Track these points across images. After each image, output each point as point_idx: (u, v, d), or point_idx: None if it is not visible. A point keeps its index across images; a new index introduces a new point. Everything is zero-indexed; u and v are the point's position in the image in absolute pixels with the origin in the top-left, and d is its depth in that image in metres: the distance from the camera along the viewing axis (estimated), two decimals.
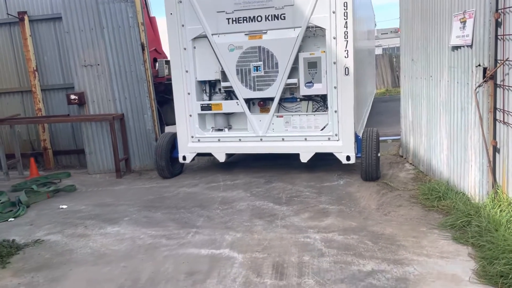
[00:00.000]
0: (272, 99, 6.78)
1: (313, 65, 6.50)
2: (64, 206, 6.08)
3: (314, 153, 6.62)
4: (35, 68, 8.14)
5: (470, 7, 4.62)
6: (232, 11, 6.63)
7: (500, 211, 4.13)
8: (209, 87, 7.25)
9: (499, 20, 4.23)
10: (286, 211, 5.35)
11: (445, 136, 5.54)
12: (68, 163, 8.63)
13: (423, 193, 5.47)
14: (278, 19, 6.49)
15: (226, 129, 7.13)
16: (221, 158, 7.06)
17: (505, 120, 4.29)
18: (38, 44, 8.20)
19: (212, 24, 6.72)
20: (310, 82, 6.55)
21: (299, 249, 4.22)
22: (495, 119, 4.46)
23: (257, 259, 4.06)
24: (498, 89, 4.38)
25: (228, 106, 6.97)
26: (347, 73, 6.29)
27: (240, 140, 6.96)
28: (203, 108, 7.05)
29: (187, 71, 6.96)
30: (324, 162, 7.13)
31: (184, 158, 7.20)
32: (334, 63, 6.31)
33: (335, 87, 6.37)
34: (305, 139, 6.66)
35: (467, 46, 4.71)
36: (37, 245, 4.74)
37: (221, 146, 7.03)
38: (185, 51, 6.91)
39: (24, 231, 5.23)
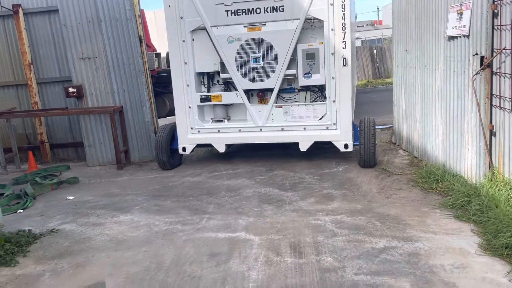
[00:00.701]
0: (271, 90, 6.95)
1: (311, 56, 6.70)
2: (71, 197, 6.14)
3: (313, 142, 6.85)
4: (30, 61, 8.09)
5: None
6: (231, 3, 6.75)
7: (498, 190, 4.43)
8: (207, 79, 7.38)
9: (495, 11, 4.50)
10: (292, 196, 5.56)
11: (440, 122, 5.83)
12: (65, 156, 8.63)
13: (421, 176, 5.77)
14: (276, 11, 6.66)
15: (226, 120, 7.28)
16: (221, 149, 7.21)
17: (501, 105, 4.58)
18: (33, 37, 8.15)
19: (211, 16, 6.84)
20: (309, 73, 6.75)
21: (312, 230, 4.44)
22: (491, 105, 4.76)
23: (274, 241, 4.26)
24: (494, 76, 4.67)
25: (228, 97, 7.12)
26: (345, 64, 6.51)
27: (240, 130, 7.12)
28: (203, 99, 7.17)
29: (186, 63, 7.06)
30: (320, 150, 7.38)
31: (184, 149, 7.32)
32: (332, 54, 6.53)
33: (333, 78, 6.59)
34: (304, 128, 6.87)
35: (464, 36, 4.99)
36: (53, 234, 4.83)
37: (221, 137, 7.18)
38: (184, 43, 7.01)
39: (36, 221, 5.29)
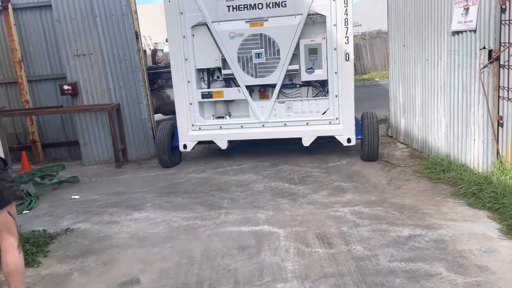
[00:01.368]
0: (273, 85, 6.98)
1: (313, 51, 6.77)
2: (77, 197, 6.01)
3: (316, 137, 6.93)
4: (20, 59, 7.83)
5: None
6: None
7: (510, 178, 4.63)
8: (207, 75, 7.35)
9: (503, 6, 4.69)
10: (304, 190, 5.62)
11: (443, 115, 6.02)
12: (58, 156, 8.40)
13: (426, 167, 5.94)
14: (279, 6, 6.68)
15: (227, 117, 7.27)
16: (223, 145, 7.19)
17: (509, 97, 4.78)
18: (23, 34, 7.89)
19: (212, 12, 6.80)
20: (311, 68, 6.82)
21: (334, 222, 4.51)
22: (498, 97, 4.96)
23: (299, 232, 4.31)
24: (501, 69, 4.87)
25: (230, 93, 7.10)
26: (347, 59, 6.61)
27: (242, 126, 7.12)
28: (204, 96, 7.14)
29: (186, 59, 7.01)
30: (319, 145, 7.45)
31: (185, 146, 7.25)
32: (335, 49, 6.62)
33: (335, 73, 6.68)
34: (307, 123, 6.94)
35: (470, 31, 5.17)
36: (69, 234, 4.72)
37: (223, 133, 7.16)
38: (184, 39, 6.95)
39: (46, 221, 5.15)
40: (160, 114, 11.91)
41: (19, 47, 7.83)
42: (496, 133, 5.00)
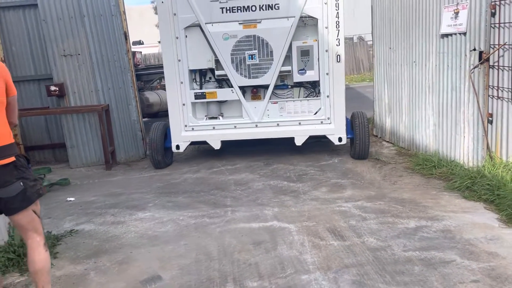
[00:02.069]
0: (266, 86, 7.10)
1: (305, 53, 6.93)
2: (72, 199, 5.89)
3: (308, 136, 7.08)
4: (2, 59, 7.59)
5: None
6: (226, 1, 6.82)
7: (502, 171, 4.92)
8: (200, 76, 7.37)
9: (493, 10, 5.00)
10: (303, 187, 5.74)
11: (431, 114, 6.31)
12: (41, 159, 8.17)
13: (417, 164, 6.19)
14: (272, 8, 6.81)
15: (220, 117, 7.32)
16: (216, 146, 7.22)
17: (499, 95, 5.09)
18: (6, 34, 7.65)
19: (205, 13, 6.85)
20: (303, 69, 6.97)
21: (341, 216, 4.65)
22: (488, 96, 5.26)
23: (309, 227, 4.42)
24: (491, 69, 5.18)
25: (223, 94, 7.15)
26: (338, 60, 6.82)
27: (235, 127, 7.18)
28: (197, 96, 7.16)
29: (179, 60, 7.02)
30: (309, 145, 7.59)
31: (177, 147, 7.24)
32: (326, 51, 6.81)
33: (327, 74, 6.87)
34: (299, 123, 7.08)
35: (460, 33, 5.46)
36: (74, 235, 4.64)
37: (216, 134, 7.20)
38: (178, 40, 6.96)
39: (46, 224, 5.01)
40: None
41: (1, 47, 7.59)
42: (486, 129, 5.30)
